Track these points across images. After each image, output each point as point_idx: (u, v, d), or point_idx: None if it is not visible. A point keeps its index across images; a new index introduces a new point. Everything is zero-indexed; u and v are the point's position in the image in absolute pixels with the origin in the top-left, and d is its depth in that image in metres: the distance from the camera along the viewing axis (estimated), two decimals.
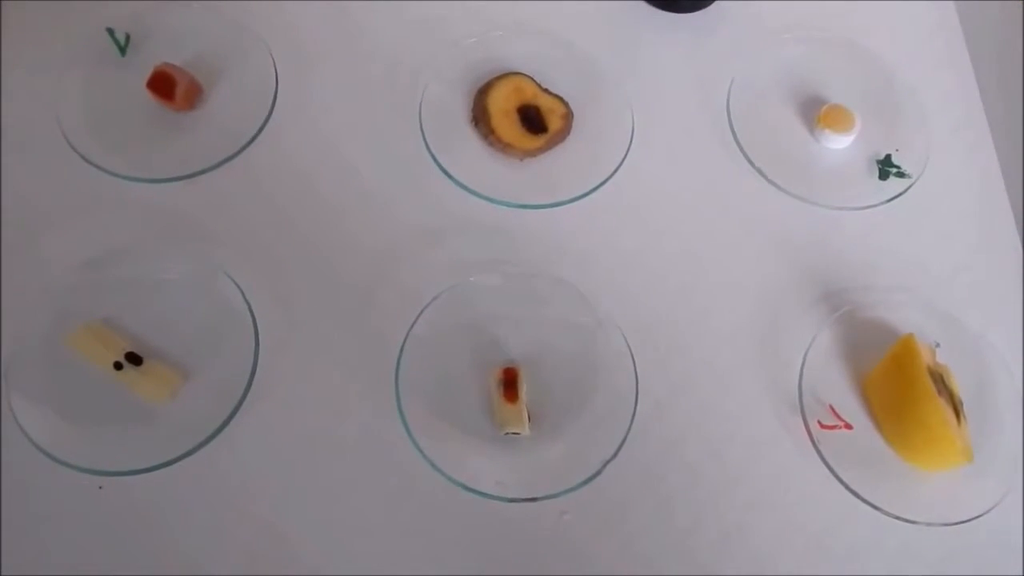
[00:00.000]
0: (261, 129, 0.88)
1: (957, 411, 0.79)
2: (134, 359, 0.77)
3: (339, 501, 0.76)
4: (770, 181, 0.91)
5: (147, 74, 0.87)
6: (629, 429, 0.77)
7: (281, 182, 0.89)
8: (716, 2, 1.03)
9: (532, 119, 0.91)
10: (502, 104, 0.92)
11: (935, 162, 0.93)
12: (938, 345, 0.83)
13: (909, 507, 0.77)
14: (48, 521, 0.73)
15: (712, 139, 0.95)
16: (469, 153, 0.91)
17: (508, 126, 0.91)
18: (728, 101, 0.94)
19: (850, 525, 0.78)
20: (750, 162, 0.92)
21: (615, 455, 0.76)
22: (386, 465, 0.77)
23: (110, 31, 0.90)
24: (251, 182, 0.88)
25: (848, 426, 0.81)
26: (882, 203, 0.91)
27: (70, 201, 0.86)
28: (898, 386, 0.79)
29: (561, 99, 0.93)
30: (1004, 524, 0.79)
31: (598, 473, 0.75)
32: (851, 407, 0.83)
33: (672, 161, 0.94)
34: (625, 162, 0.89)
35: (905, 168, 0.92)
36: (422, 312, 0.80)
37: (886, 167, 0.92)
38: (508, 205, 0.87)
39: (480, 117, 0.91)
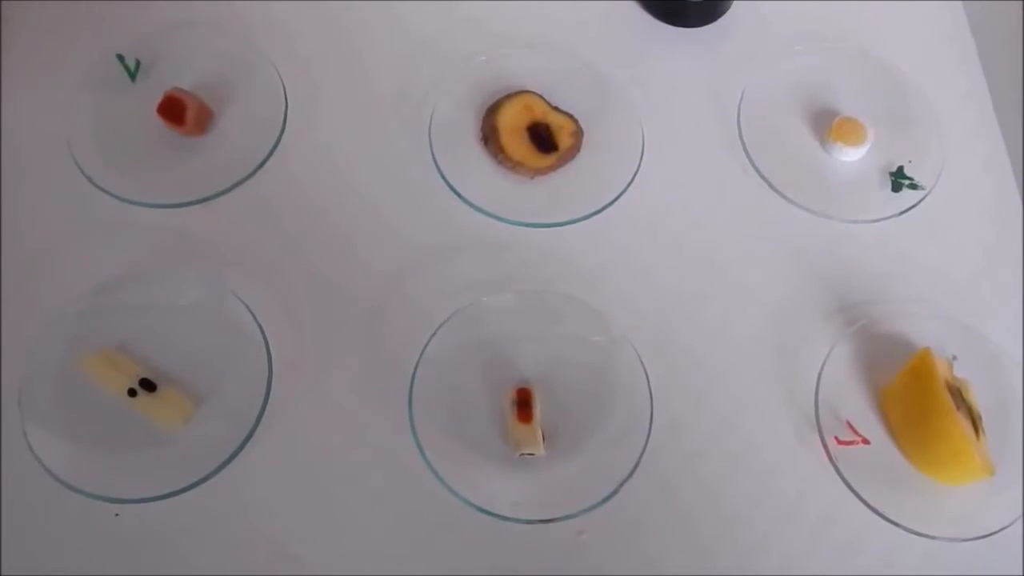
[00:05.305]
0: (271, 152, 0.88)
1: (976, 425, 0.78)
2: (148, 385, 0.77)
3: (354, 524, 0.76)
4: (782, 195, 0.91)
5: (157, 99, 0.87)
6: (645, 447, 0.76)
7: (292, 205, 0.89)
8: (724, 16, 1.03)
9: (542, 137, 0.91)
10: (512, 123, 0.91)
11: (948, 172, 0.92)
12: (955, 358, 0.82)
13: (929, 522, 0.76)
14: (64, 549, 0.73)
15: (723, 154, 0.94)
16: (479, 172, 0.91)
17: (518, 145, 0.91)
18: (739, 115, 0.94)
19: (870, 541, 0.78)
20: (762, 176, 0.91)
21: (631, 474, 0.75)
22: (401, 487, 0.77)
23: (120, 57, 0.91)
24: (262, 205, 0.88)
25: (866, 441, 0.80)
26: (896, 215, 0.90)
27: (81, 227, 0.86)
28: (916, 401, 0.79)
29: (571, 116, 0.93)
30: None
31: (615, 492, 0.75)
32: (869, 422, 0.82)
33: (683, 177, 0.94)
34: (636, 179, 0.89)
35: (918, 180, 0.91)
36: (435, 333, 0.80)
37: (899, 179, 0.92)
38: (519, 224, 0.87)
39: (490, 136, 0.91)
